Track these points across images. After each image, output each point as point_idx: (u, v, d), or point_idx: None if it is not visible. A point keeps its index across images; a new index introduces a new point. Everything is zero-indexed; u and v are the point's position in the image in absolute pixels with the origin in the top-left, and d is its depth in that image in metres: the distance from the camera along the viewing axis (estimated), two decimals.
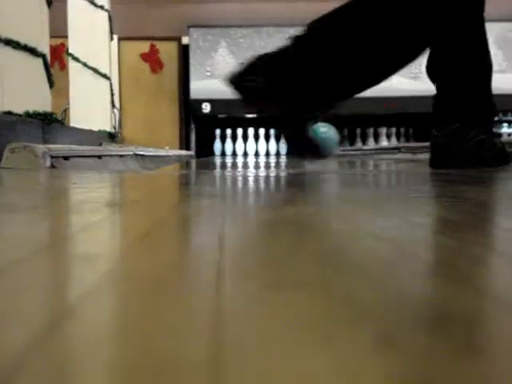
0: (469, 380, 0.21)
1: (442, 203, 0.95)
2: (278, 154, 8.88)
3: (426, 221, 0.73)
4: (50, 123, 3.82)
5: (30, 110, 3.72)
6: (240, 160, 5.95)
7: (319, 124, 2.12)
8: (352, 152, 6.76)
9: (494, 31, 8.31)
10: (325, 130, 2.14)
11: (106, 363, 0.25)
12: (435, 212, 0.84)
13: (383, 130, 8.96)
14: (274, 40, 8.58)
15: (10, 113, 3.54)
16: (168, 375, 0.23)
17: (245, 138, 9.11)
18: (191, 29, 8.75)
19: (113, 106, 6.93)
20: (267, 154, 8.81)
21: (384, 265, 0.43)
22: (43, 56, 4.00)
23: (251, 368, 0.23)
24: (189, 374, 0.23)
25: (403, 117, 8.73)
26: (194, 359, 0.25)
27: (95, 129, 5.97)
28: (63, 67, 8.11)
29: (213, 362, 0.24)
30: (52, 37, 4.48)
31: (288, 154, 8.63)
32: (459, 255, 0.46)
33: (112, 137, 6.48)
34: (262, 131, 9.03)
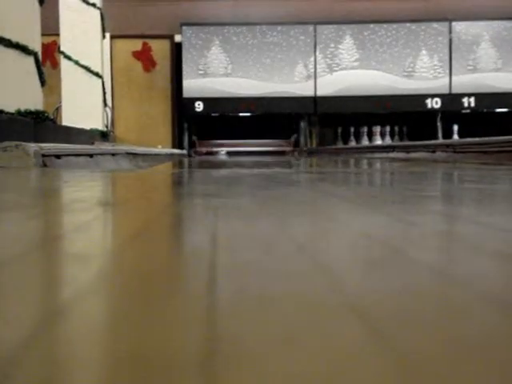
0: None
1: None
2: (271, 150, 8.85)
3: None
4: (41, 122, 3.80)
5: (22, 109, 3.69)
6: (233, 158, 5.93)
7: None
8: (346, 151, 6.75)
9: (490, 30, 8.31)
10: None
11: (98, 360, 0.25)
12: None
13: (377, 129, 8.95)
14: (267, 38, 8.56)
15: (1, 111, 3.51)
16: (160, 372, 0.23)
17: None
18: (184, 27, 8.71)
19: (105, 104, 6.90)
20: (260, 152, 8.79)
21: None
22: (35, 54, 3.96)
23: (246, 364, 0.23)
24: (181, 370, 0.23)
25: (397, 115, 8.72)
26: (186, 356, 0.24)
27: (87, 127, 5.94)
28: (55, 65, 8.06)
29: (206, 359, 0.24)
30: (44, 35, 4.45)
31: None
32: None
33: (104, 135, 6.45)
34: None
